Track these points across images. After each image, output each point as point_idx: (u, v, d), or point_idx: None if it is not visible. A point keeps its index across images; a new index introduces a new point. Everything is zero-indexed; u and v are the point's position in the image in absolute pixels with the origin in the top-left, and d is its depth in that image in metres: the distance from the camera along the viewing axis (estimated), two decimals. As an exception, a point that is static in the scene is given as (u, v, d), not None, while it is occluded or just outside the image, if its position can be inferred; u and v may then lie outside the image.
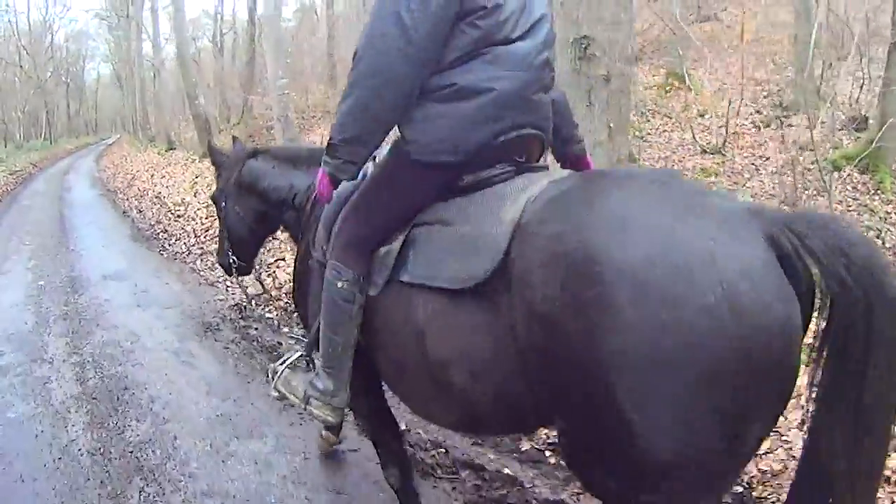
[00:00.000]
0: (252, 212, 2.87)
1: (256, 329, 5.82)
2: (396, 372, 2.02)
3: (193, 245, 9.45)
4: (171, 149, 20.50)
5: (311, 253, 2.30)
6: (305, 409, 2.16)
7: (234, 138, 3.25)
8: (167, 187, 13.49)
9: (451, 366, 1.72)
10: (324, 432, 3.21)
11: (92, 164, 26.02)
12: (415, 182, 1.90)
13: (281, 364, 2.30)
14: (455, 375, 1.72)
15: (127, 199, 14.45)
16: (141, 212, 12.57)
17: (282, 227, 2.95)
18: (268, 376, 2.36)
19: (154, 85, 31.35)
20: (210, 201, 3.20)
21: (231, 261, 2.97)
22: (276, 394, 2.29)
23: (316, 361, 2.17)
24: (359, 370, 2.11)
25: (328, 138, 1.87)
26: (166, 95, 29.58)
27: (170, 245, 9.76)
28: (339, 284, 1.93)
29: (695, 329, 1.26)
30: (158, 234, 10.62)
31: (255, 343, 5.32)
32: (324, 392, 2.08)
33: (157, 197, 13.38)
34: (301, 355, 2.29)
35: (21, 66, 44.57)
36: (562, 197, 1.57)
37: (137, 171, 17.66)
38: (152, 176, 16.47)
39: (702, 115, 10.48)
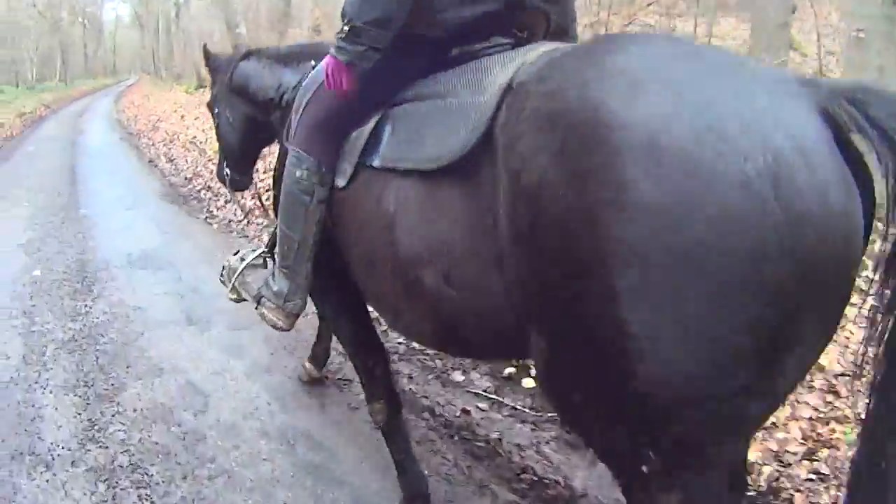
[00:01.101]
0: (242, 117, 2.65)
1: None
2: (367, 276, 1.78)
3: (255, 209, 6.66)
4: (202, 87, 17.61)
5: (285, 150, 2.01)
6: (257, 309, 2.02)
7: (235, 46, 1.98)
8: (203, 130, 10.64)
9: (422, 264, 1.49)
10: (307, 363, 3.09)
11: (110, 105, 23.26)
12: (394, 56, 1.67)
13: (239, 260, 2.19)
14: (427, 276, 1.49)
15: (153, 145, 11.71)
16: (172, 161, 9.81)
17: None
18: (222, 274, 2.23)
19: (175, 24, 28.94)
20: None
21: (225, 173, 2.73)
22: (233, 296, 2.20)
23: (275, 260, 1.99)
24: (336, 285, 2.00)
25: (345, 21, 1.64)
26: (195, 30, 26.48)
27: (218, 209, 7.01)
28: (298, 174, 1.77)
29: (727, 211, 0.98)
30: (199, 192, 7.95)
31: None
32: (277, 294, 1.94)
33: (191, 142, 10.56)
34: (261, 253, 2.19)
35: (34, 5, 42.62)
36: (566, 56, 1.29)
37: (163, 112, 14.90)
38: (182, 117, 13.68)
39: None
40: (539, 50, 1.43)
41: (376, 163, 1.65)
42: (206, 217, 6.84)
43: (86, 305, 4.55)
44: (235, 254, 2.29)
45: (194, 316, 4.27)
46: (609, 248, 1.04)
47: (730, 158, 0.98)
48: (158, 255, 5.55)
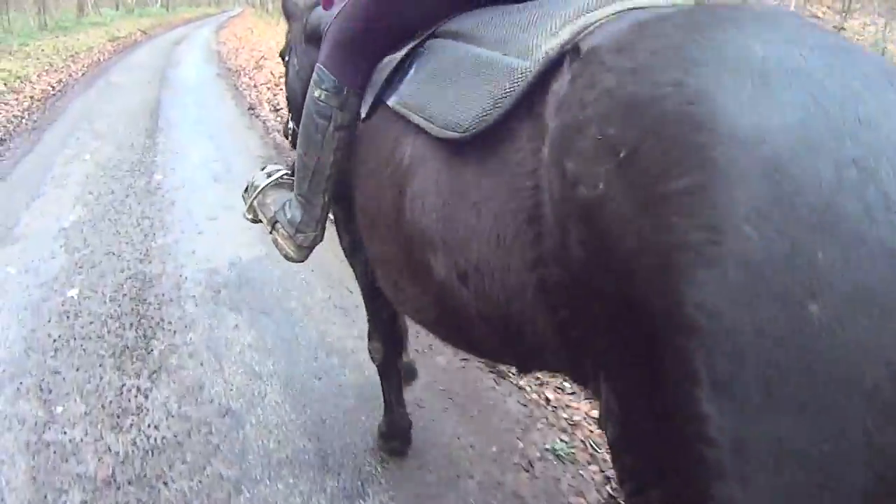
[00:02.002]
0: (309, 66, 1.98)
1: None
2: (368, 232, 1.55)
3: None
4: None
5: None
6: (270, 234, 1.87)
7: None
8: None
9: (432, 247, 1.20)
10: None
11: (210, 36, 21.48)
12: None
13: (264, 177, 1.97)
14: (436, 263, 1.20)
15: (254, 87, 9.61)
16: (278, 111, 7.61)
17: None
18: (246, 189, 1.99)
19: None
20: None
21: (290, 129, 2.24)
22: (249, 215, 2.00)
23: (294, 188, 1.77)
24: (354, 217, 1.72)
25: None
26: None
27: None
28: (317, 93, 1.56)
29: (884, 286, 0.64)
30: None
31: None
32: (290, 222, 1.76)
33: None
34: (285, 173, 1.96)
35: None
36: (662, 21, 0.89)
37: (268, 50, 12.78)
38: (290, 55, 11.40)
39: None
40: (621, 4, 1.03)
41: (392, 100, 1.38)
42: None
43: (138, 391, 2.52)
44: (263, 168, 2.01)
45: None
46: (686, 318, 0.69)
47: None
48: (259, 285, 3.39)
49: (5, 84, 9.69)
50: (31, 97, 9.20)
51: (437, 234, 1.18)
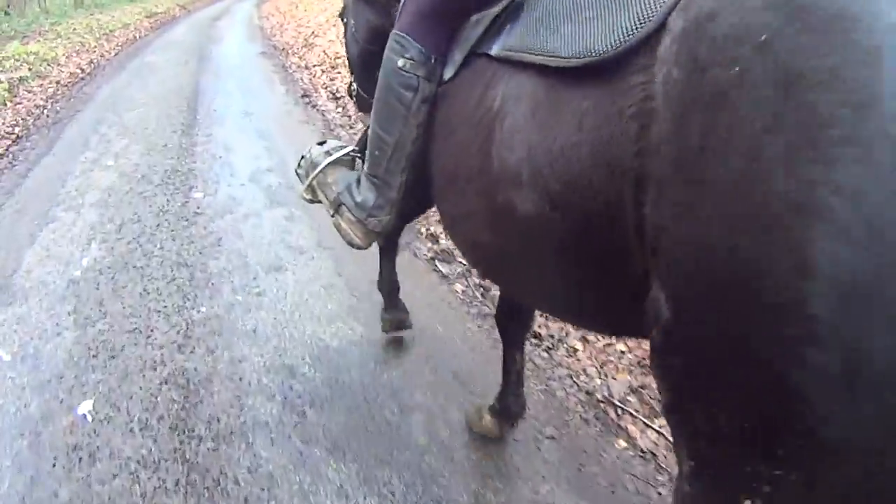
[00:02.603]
0: (365, 24, 2.05)
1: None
2: (447, 193, 1.45)
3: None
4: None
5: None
6: (333, 217, 1.73)
7: None
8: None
9: (519, 181, 1.14)
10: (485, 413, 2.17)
11: (251, 10, 20.27)
12: None
13: (323, 154, 1.81)
14: (523, 196, 1.13)
15: (306, 69, 8.38)
16: (339, 100, 6.36)
17: None
18: (300, 164, 1.88)
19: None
20: None
21: (353, 90, 2.24)
22: (308, 196, 1.86)
23: (364, 166, 1.67)
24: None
25: None
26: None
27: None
28: (400, 63, 1.46)
29: None
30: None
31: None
32: (360, 206, 1.63)
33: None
34: (350, 150, 1.84)
35: None
36: None
37: (318, 25, 11.53)
38: (342, 30, 10.11)
39: None
40: None
41: (494, 50, 1.29)
42: (433, 258, 3.38)
43: None
44: (321, 143, 1.88)
45: None
46: (818, 201, 0.65)
47: None
48: (360, 398, 2.17)
49: (30, 68, 8.62)
50: (58, 82, 8.12)
51: (527, 167, 1.10)
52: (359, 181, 1.66)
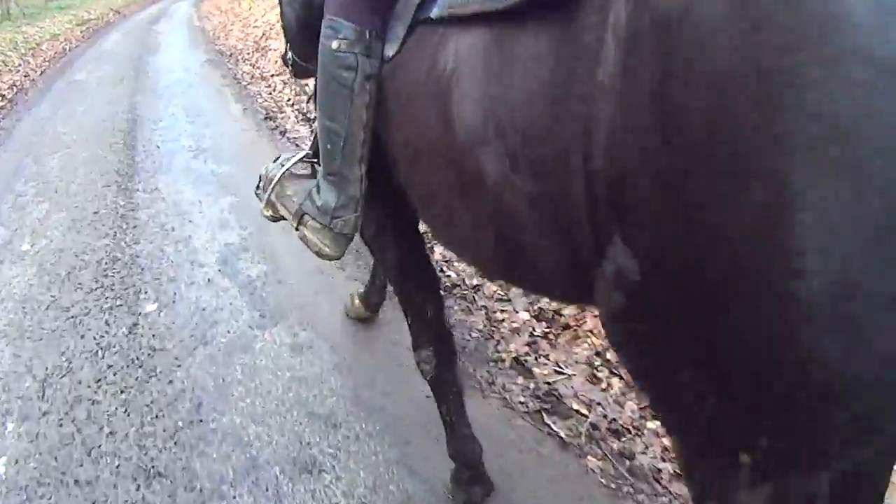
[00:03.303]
0: None
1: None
2: (412, 171, 1.33)
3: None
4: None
5: None
6: (297, 230, 1.56)
7: None
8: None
9: (484, 142, 1.03)
10: (357, 299, 2.49)
11: (189, 10, 18.55)
12: None
13: (278, 167, 1.66)
14: (488, 159, 1.03)
15: (262, 80, 7.08)
16: (311, 121, 5.13)
17: None
18: (258, 185, 1.70)
19: None
20: None
21: (288, 58, 2.02)
22: (268, 213, 1.67)
23: (320, 168, 1.52)
24: (381, 193, 1.51)
25: None
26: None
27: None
28: (335, 45, 1.35)
29: None
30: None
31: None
32: (322, 210, 1.47)
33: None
34: (305, 156, 1.68)
35: None
36: None
37: (269, 26, 10.11)
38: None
39: None
40: None
41: (435, 12, 1.17)
42: (539, 410, 2.18)
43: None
44: (276, 160, 1.71)
45: None
46: (797, 127, 0.59)
47: None
48: None
49: (-67, 102, 7.12)
50: (-33, 117, 6.65)
51: (488, 122, 1.00)
52: (318, 185, 1.48)
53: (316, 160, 1.60)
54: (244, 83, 7.11)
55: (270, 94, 6.38)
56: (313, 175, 1.63)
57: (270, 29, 9.46)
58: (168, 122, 5.69)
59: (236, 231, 3.48)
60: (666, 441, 1.87)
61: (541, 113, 0.89)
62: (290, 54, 1.99)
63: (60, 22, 16.08)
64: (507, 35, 0.97)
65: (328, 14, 1.37)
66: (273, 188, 1.62)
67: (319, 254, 1.53)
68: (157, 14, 18.34)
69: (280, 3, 1.96)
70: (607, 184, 0.77)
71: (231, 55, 9.09)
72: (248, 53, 8.73)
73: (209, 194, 3.99)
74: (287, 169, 1.63)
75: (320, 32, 1.39)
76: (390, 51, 1.31)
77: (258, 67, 7.67)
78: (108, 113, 6.13)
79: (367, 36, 1.32)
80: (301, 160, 1.66)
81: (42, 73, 9.28)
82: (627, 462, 1.87)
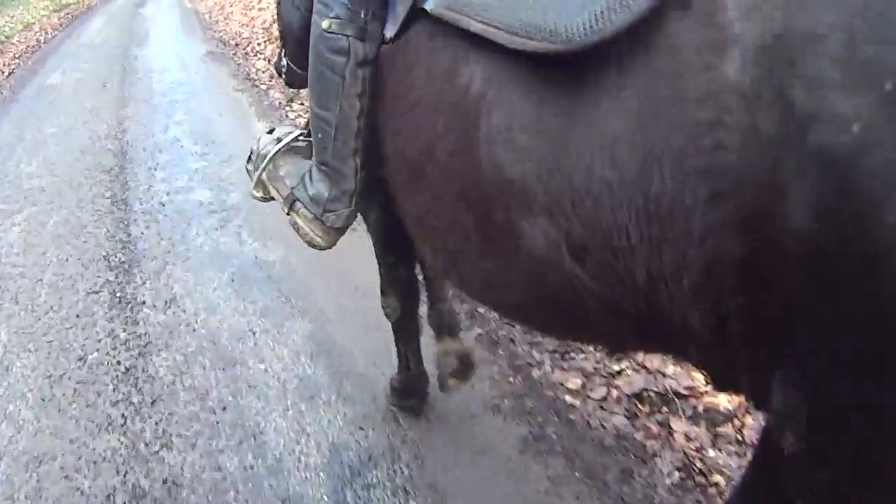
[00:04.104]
0: None
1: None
2: (409, 187, 1.13)
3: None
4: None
5: None
6: (289, 215, 1.38)
7: None
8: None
9: (528, 203, 0.83)
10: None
11: (178, -10, 16.51)
12: None
13: (273, 142, 1.44)
14: (533, 224, 0.84)
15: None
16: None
17: None
18: (249, 159, 1.49)
19: None
20: None
21: (282, 65, 1.75)
22: (258, 193, 1.49)
23: (313, 156, 1.34)
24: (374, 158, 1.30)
25: None
26: None
27: None
28: (325, 24, 1.16)
29: None
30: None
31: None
32: (314, 200, 1.32)
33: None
34: (299, 135, 1.46)
35: None
36: None
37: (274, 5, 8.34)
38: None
39: None
40: None
41: (434, 8, 0.97)
42: None
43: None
44: (271, 132, 1.50)
45: None
46: None
47: None
48: None
49: None
50: None
51: (538, 188, 0.80)
52: (311, 173, 1.31)
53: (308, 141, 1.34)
54: (262, 86, 5.38)
55: (304, 103, 4.67)
56: (310, 152, 1.34)
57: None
58: (171, 154, 3.98)
59: (333, 408, 1.87)
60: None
61: (639, 224, 0.70)
62: (284, 61, 1.70)
63: (36, 8, 14.09)
64: (561, 83, 0.77)
65: None
66: (265, 167, 1.39)
67: (311, 244, 1.35)
68: (142, -5, 16.30)
69: (278, 3, 1.64)
70: (764, 318, 0.65)
71: (237, 45, 7.30)
72: (259, 44, 6.94)
73: (262, 314, 2.32)
74: (281, 147, 1.40)
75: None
76: (389, 32, 1.11)
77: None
78: (88, 139, 4.41)
79: (362, 16, 1.12)
80: (299, 136, 1.42)
81: (9, 74, 7.46)
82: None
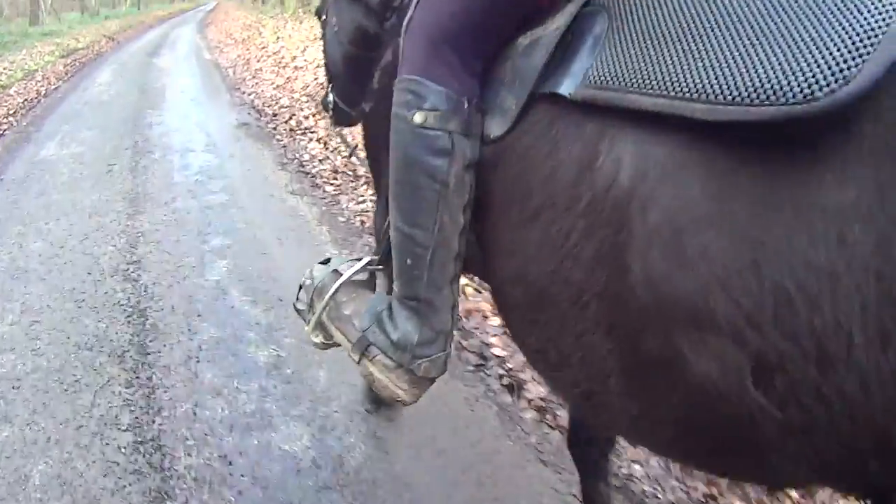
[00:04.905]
0: (350, 24, 1.48)
1: None
2: (534, 305, 0.86)
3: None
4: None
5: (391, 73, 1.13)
6: (359, 363, 1.08)
7: None
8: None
9: (698, 322, 0.65)
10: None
11: (195, 38, 15.30)
12: None
13: (329, 275, 1.16)
14: (701, 347, 0.65)
15: (359, 177, 3.79)
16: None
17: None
18: (298, 297, 1.21)
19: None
20: None
21: (329, 101, 1.65)
22: (318, 338, 1.19)
23: (394, 286, 1.05)
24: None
25: None
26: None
27: None
28: (419, 118, 0.91)
29: None
30: None
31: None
32: (399, 345, 1.02)
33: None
34: (367, 264, 1.17)
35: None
36: None
37: (320, 64, 6.93)
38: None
39: None
40: None
41: (577, 90, 0.78)
42: None
43: None
44: (325, 262, 1.21)
45: None
46: None
47: None
48: None
49: None
50: None
51: (717, 302, 0.62)
52: (390, 308, 1.04)
53: (382, 268, 1.14)
54: (325, 184, 3.90)
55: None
56: (373, 281, 1.17)
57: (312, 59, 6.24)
58: (216, 321, 2.44)
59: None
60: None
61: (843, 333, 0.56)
62: (331, 96, 1.60)
63: (41, 53, 12.75)
64: (782, 162, 0.61)
65: (405, 72, 0.94)
66: (326, 306, 1.12)
67: (392, 399, 1.06)
68: (156, 42, 15.02)
69: (323, 34, 1.59)
70: None
71: (275, 116, 5.86)
72: (305, 117, 5.50)
73: None
74: (345, 280, 1.12)
75: (392, 94, 0.95)
76: (496, 128, 0.90)
77: (347, 140, 4.44)
78: (86, 274, 2.86)
79: (465, 106, 0.90)
80: (363, 267, 1.14)
81: (-2, 137, 5.99)
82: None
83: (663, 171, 0.67)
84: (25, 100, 7.94)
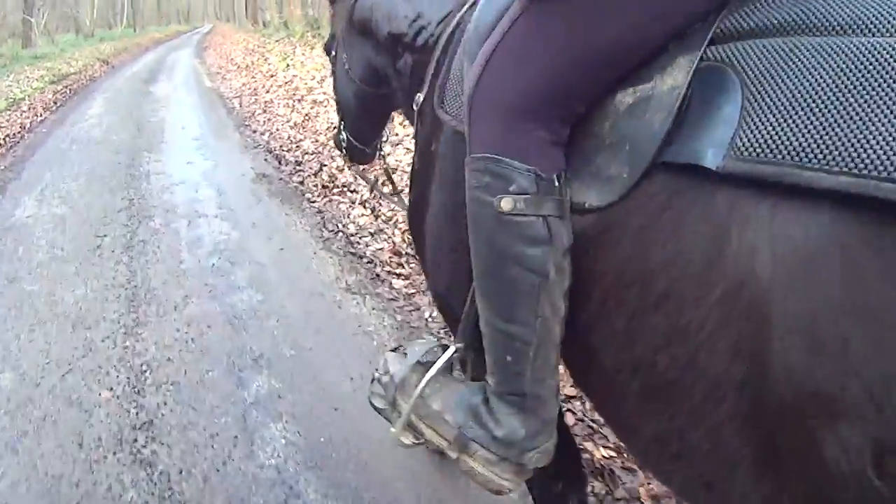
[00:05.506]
0: (363, 63, 1.45)
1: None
2: (650, 399, 0.78)
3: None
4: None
5: (437, 125, 1.06)
6: (458, 459, 0.96)
7: None
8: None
9: (832, 410, 0.60)
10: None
11: (193, 63, 14.28)
12: None
13: (411, 368, 1.01)
14: (834, 434, 0.61)
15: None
16: None
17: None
18: (372, 392, 1.05)
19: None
20: None
21: (342, 139, 1.64)
22: (407, 440, 1.03)
23: (489, 380, 0.93)
24: None
25: None
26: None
27: None
28: (507, 205, 0.80)
29: None
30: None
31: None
32: (504, 441, 0.91)
33: None
34: (455, 351, 1.00)
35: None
36: None
37: (316, 83, 5.92)
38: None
39: None
40: None
41: (728, 161, 0.66)
42: None
43: None
44: (400, 350, 1.06)
45: None
46: None
47: None
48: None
49: None
50: None
51: (850, 388, 0.58)
52: (487, 402, 0.92)
53: (467, 351, 0.99)
54: (389, 275, 2.87)
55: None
56: (451, 365, 1.01)
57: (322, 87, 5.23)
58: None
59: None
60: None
61: None
62: (344, 134, 1.58)
63: (30, 79, 11.67)
64: None
65: (476, 149, 0.81)
66: (413, 404, 0.97)
67: (494, 491, 0.95)
68: (153, 66, 13.96)
69: (333, 71, 1.52)
70: None
71: (299, 165, 4.82)
72: (338, 167, 4.46)
73: None
74: (431, 375, 0.96)
75: (464, 174, 0.83)
76: (596, 198, 0.77)
77: (392, 213, 3.41)
78: (80, 452, 1.82)
79: (557, 184, 0.78)
80: (448, 357, 0.98)
81: (-35, 188, 4.91)
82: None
83: (803, 257, 0.60)
84: (7, 136, 6.88)
